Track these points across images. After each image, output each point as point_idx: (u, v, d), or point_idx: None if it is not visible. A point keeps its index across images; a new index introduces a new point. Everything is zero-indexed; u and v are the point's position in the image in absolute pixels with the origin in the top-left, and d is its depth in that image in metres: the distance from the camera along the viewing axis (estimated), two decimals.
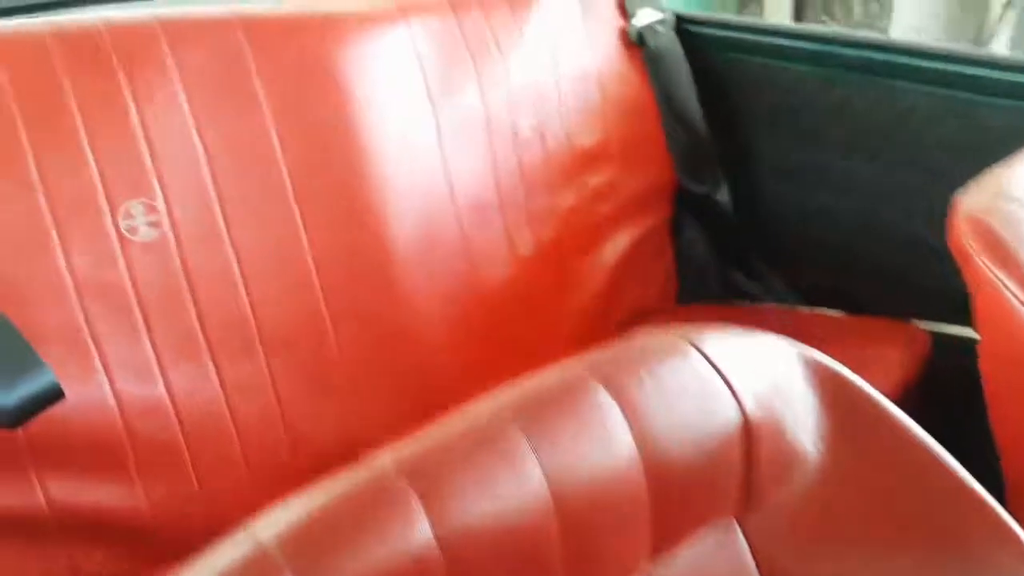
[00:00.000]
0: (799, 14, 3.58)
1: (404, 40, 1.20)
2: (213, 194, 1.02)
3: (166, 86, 1.00)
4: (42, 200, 0.92)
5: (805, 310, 1.51)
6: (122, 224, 0.96)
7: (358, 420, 1.13)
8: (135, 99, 0.98)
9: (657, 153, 1.50)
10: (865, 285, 1.45)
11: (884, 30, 3.23)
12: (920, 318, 1.36)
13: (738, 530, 0.52)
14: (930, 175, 1.30)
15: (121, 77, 0.98)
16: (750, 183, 1.53)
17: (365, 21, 1.17)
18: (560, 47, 1.37)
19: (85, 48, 0.97)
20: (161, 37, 1.01)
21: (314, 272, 1.08)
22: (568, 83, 1.37)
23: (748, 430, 0.50)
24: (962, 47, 1.24)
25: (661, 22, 1.46)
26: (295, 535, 0.41)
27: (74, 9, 1.25)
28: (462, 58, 1.26)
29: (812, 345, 1.30)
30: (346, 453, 1.11)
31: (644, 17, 1.45)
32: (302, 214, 1.08)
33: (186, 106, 1.01)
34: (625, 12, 1.46)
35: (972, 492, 0.56)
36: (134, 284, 0.97)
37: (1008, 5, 2.96)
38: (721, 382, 0.51)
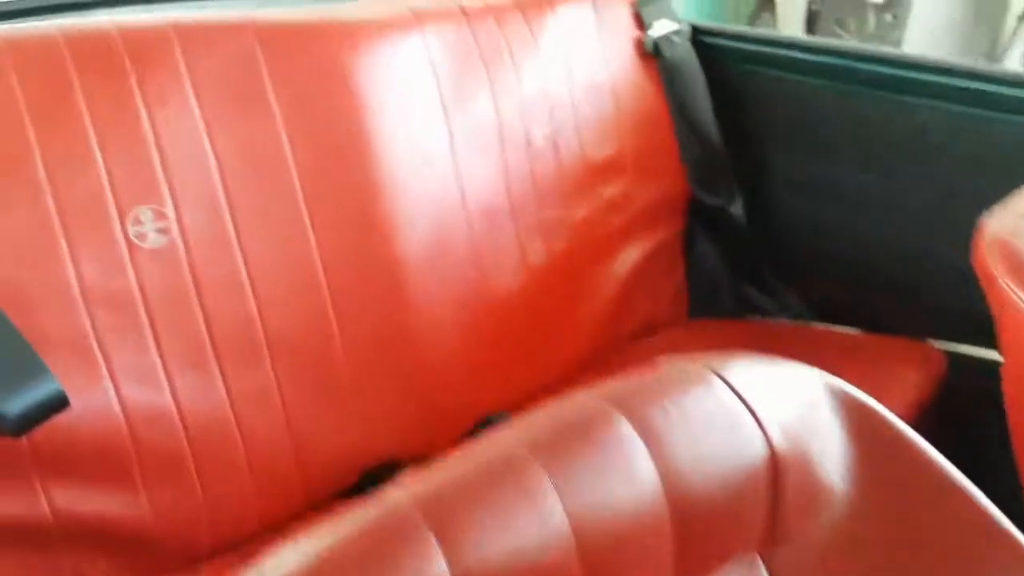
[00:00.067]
0: (811, 26, 3.57)
1: (418, 48, 1.19)
2: (223, 201, 1.01)
3: (178, 91, 0.99)
4: (50, 204, 0.91)
5: (819, 326, 1.49)
6: (131, 230, 0.95)
7: (365, 429, 1.12)
8: (146, 103, 0.97)
9: (671, 165, 1.48)
10: (880, 302, 1.43)
11: (898, 42, 3.21)
12: (936, 337, 1.34)
13: (762, 565, 0.50)
14: (946, 192, 1.28)
15: (133, 81, 0.97)
16: (764, 196, 1.52)
17: (380, 29, 1.16)
18: (574, 57, 1.36)
19: (97, 51, 0.96)
20: (174, 41, 1.00)
21: (323, 279, 1.07)
22: (582, 93, 1.36)
23: (775, 462, 0.49)
24: (979, 64, 1.23)
25: (677, 33, 1.45)
26: (306, 575, 0.40)
27: (86, 12, 1.23)
28: (476, 67, 1.25)
29: (825, 362, 1.28)
30: (353, 462, 1.11)
31: (660, 28, 1.44)
32: (312, 222, 1.07)
33: (197, 111, 1.00)
34: (641, 22, 1.44)
35: (998, 526, 0.55)
36: (142, 291, 0.96)
37: (1023, 18, 2.95)
38: (747, 412, 0.49)
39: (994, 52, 3.09)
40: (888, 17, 3.28)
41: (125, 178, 0.95)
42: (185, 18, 1.04)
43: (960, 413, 1.26)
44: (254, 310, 1.03)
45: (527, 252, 1.30)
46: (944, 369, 1.29)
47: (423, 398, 1.18)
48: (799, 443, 0.50)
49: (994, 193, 0.90)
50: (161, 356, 0.97)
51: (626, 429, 0.46)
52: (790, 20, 3.77)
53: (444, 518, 0.41)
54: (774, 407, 0.50)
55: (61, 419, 0.87)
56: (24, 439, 0.88)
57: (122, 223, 0.95)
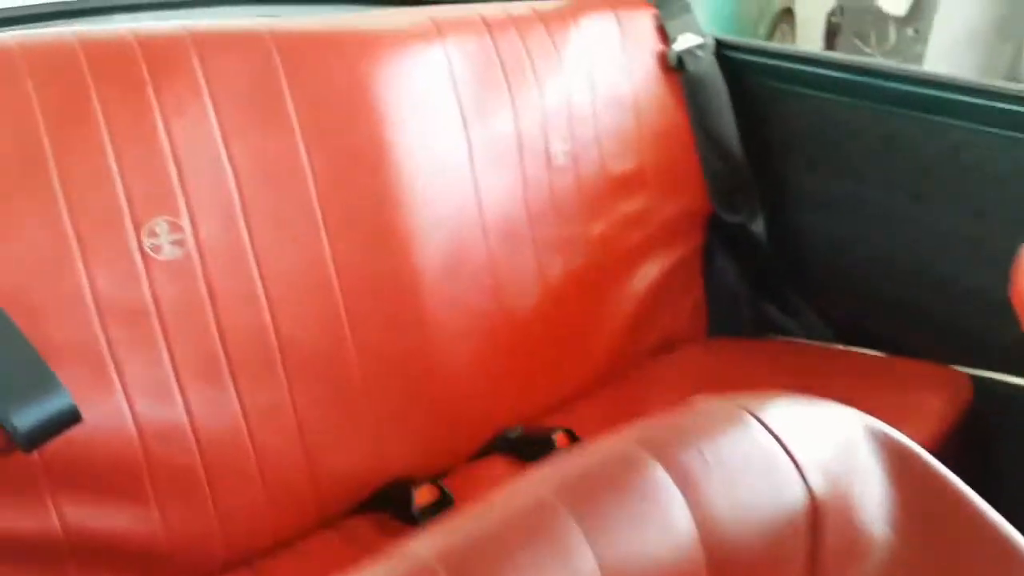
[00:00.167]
0: (831, 39, 3.55)
1: (439, 60, 1.17)
2: (239, 213, 1.00)
3: (196, 101, 0.98)
4: (64, 214, 0.89)
5: (839, 348, 1.47)
6: (146, 242, 0.94)
7: (379, 444, 1.10)
8: (163, 114, 0.96)
9: (692, 180, 1.47)
10: (903, 325, 1.41)
11: (919, 57, 3.19)
12: (959, 363, 1.32)
13: None
14: (977, 215, 1.26)
15: (150, 90, 0.95)
16: (786, 214, 1.50)
17: (400, 39, 1.15)
18: (597, 70, 1.34)
19: (114, 59, 0.95)
20: (191, 50, 0.99)
21: (338, 292, 1.06)
22: (604, 107, 1.35)
23: (814, 507, 0.47)
24: (1014, 85, 1.20)
25: (701, 47, 1.43)
26: None
27: (104, 18, 1.22)
28: (497, 80, 1.23)
29: (847, 385, 1.27)
30: (367, 477, 1.09)
31: (684, 41, 1.42)
32: (328, 234, 1.05)
33: (215, 121, 0.99)
34: (664, 35, 1.43)
35: None
36: (156, 304, 0.94)
37: None
38: (784, 455, 0.47)
39: (1018, 68, 3.07)
40: (910, 31, 3.25)
41: (141, 189, 0.94)
42: (203, 26, 1.02)
43: (985, 441, 1.24)
44: (269, 323, 1.01)
45: (544, 266, 1.28)
46: (970, 395, 1.26)
47: (438, 413, 1.16)
48: (839, 487, 0.47)
49: None
50: (175, 369, 0.96)
51: (660, 475, 0.43)
52: (809, 33, 3.75)
53: (470, 575, 0.38)
54: (812, 449, 0.48)
55: (73, 433, 0.85)
56: (35, 453, 0.86)
57: (137, 235, 0.93)
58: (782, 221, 1.50)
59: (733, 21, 3.66)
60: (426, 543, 0.42)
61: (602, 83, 1.35)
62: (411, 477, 1.12)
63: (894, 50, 3.27)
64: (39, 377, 0.84)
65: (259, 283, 1.01)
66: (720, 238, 1.54)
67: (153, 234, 0.94)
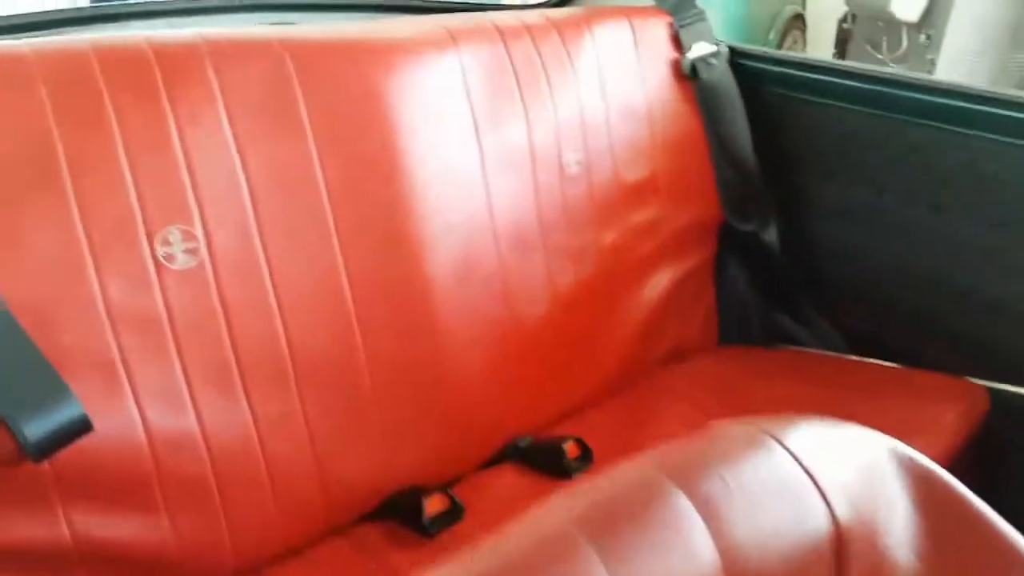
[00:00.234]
0: (842, 45, 3.54)
1: (453, 69, 1.17)
2: (252, 221, 0.99)
3: (210, 110, 0.97)
4: (77, 222, 0.89)
5: (852, 358, 1.45)
6: (159, 251, 0.93)
7: (390, 452, 1.10)
8: (177, 121, 0.95)
9: (705, 189, 1.46)
10: (917, 335, 1.40)
11: (931, 63, 3.18)
12: (974, 375, 1.31)
13: None
14: (996, 226, 1.25)
15: (164, 98, 0.95)
16: (799, 223, 1.49)
17: (414, 47, 1.14)
18: (610, 78, 1.34)
19: (128, 67, 0.94)
20: (206, 58, 0.99)
21: (350, 301, 1.05)
22: (617, 115, 1.34)
23: (838, 535, 0.46)
24: None
25: (715, 55, 1.43)
26: None
27: (116, 24, 1.22)
28: (510, 88, 1.23)
29: (861, 396, 1.26)
30: (377, 486, 1.09)
31: (698, 50, 1.41)
32: (341, 242, 1.05)
33: (229, 130, 0.98)
34: (679, 44, 1.42)
35: None
36: (168, 312, 0.94)
37: None
38: (808, 481, 0.46)
39: None
40: (922, 38, 3.23)
41: (154, 198, 0.93)
42: (217, 34, 1.02)
43: (1002, 454, 1.22)
44: (280, 331, 1.01)
45: (555, 274, 1.27)
46: (987, 408, 1.25)
47: (449, 420, 1.16)
48: (864, 514, 0.47)
49: None
50: (186, 378, 0.95)
51: (682, 503, 0.43)
52: (820, 39, 3.75)
53: None
54: (837, 475, 0.47)
55: (84, 442, 0.85)
56: (46, 462, 0.86)
57: (150, 243, 0.93)
58: (795, 230, 1.49)
59: (744, 27, 3.66)
60: (444, 573, 0.41)
61: (616, 91, 1.34)
62: (421, 485, 1.11)
63: (906, 56, 3.26)
64: (50, 386, 0.83)
65: (271, 292, 1.00)
66: (732, 246, 1.53)
67: (166, 243, 0.94)
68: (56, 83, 0.90)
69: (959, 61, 3.11)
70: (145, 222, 0.93)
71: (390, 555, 1.05)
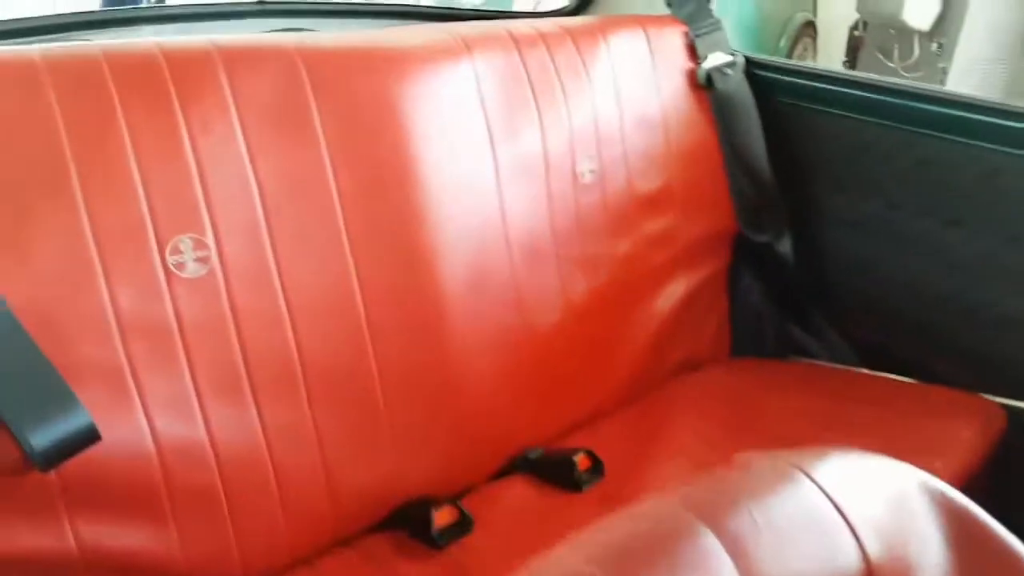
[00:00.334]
0: (853, 52, 3.52)
1: (468, 78, 1.16)
2: (264, 230, 0.98)
3: (222, 117, 0.96)
4: (87, 229, 0.88)
5: (866, 372, 1.44)
6: (170, 259, 0.92)
7: (399, 462, 1.09)
8: (189, 129, 0.94)
9: (719, 199, 1.45)
10: (931, 350, 1.39)
11: (943, 72, 3.16)
12: (992, 392, 1.29)
13: None
14: (1013, 240, 1.24)
15: (176, 106, 0.94)
16: (813, 234, 1.48)
17: (428, 56, 1.13)
18: (625, 87, 1.33)
19: (139, 73, 0.93)
20: (219, 65, 0.98)
21: (362, 311, 1.04)
22: (632, 125, 1.33)
23: (869, 573, 0.44)
24: None
25: (731, 65, 1.41)
26: None
27: (126, 29, 1.21)
28: (524, 97, 1.22)
29: (874, 412, 1.25)
30: (386, 496, 1.08)
31: (714, 59, 1.40)
32: (353, 252, 1.04)
33: (241, 138, 0.97)
34: (694, 53, 1.41)
35: None
36: (178, 321, 0.93)
37: None
38: (839, 517, 0.45)
39: None
40: (933, 46, 3.22)
41: (166, 206, 0.92)
42: (229, 41, 1.01)
43: (1020, 473, 1.21)
44: (291, 340, 1.00)
45: (568, 284, 1.26)
46: (1003, 425, 1.24)
47: (459, 431, 1.15)
48: (895, 552, 0.45)
49: None
50: (195, 387, 0.94)
51: (710, 542, 0.41)
52: (831, 47, 3.73)
53: None
54: (867, 509, 0.46)
55: (92, 451, 0.84)
56: (52, 472, 0.85)
57: (161, 252, 0.92)
58: (809, 241, 1.48)
59: (754, 33, 3.65)
60: None
61: (630, 101, 1.33)
62: (430, 496, 1.10)
63: (917, 65, 3.24)
64: (58, 395, 0.82)
65: (282, 300, 0.99)
66: (746, 257, 1.52)
67: (177, 251, 0.93)
68: (66, 89, 0.89)
69: (971, 70, 3.09)
70: (156, 230, 0.92)
71: (398, 566, 1.04)
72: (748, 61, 1.45)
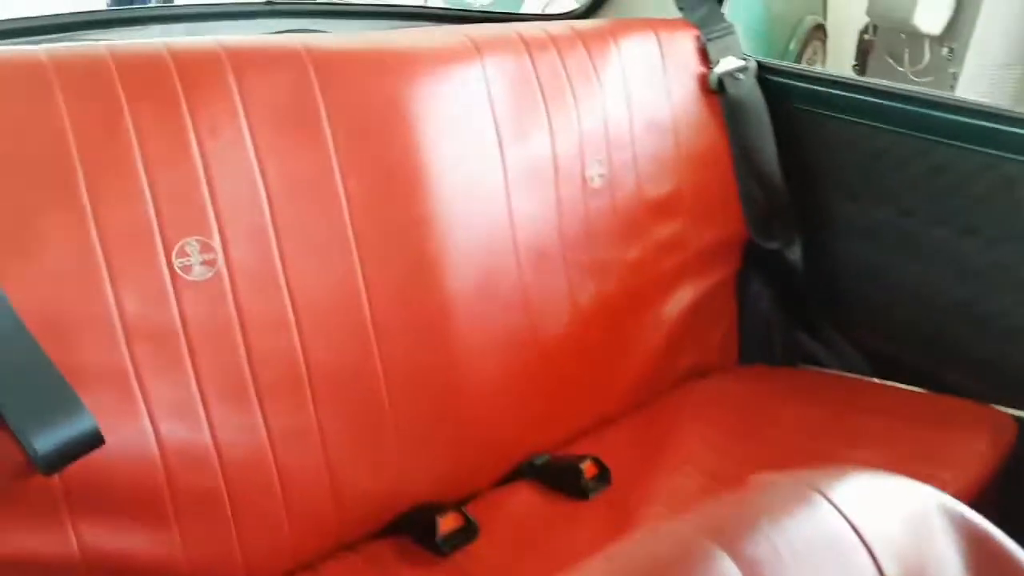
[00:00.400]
0: (863, 57, 3.50)
1: (477, 81, 1.15)
2: (271, 234, 0.97)
3: (230, 120, 0.96)
4: (93, 232, 0.87)
5: (875, 381, 1.43)
6: (176, 262, 0.92)
7: (405, 468, 1.08)
8: (197, 132, 0.94)
9: (729, 205, 1.44)
10: (942, 360, 1.37)
11: (953, 78, 3.14)
12: (1003, 403, 1.28)
13: None
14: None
15: (184, 108, 0.93)
16: (824, 242, 1.47)
17: (438, 58, 1.13)
18: (636, 91, 1.32)
19: (147, 74, 0.93)
20: (227, 66, 0.97)
21: (368, 315, 1.04)
22: (642, 129, 1.32)
23: None
24: None
25: (743, 70, 1.40)
26: None
27: (134, 28, 1.20)
28: (534, 100, 1.21)
29: (883, 422, 1.23)
30: (391, 502, 1.07)
31: (726, 64, 1.39)
32: (360, 256, 1.03)
33: (249, 141, 0.97)
34: (706, 57, 1.40)
35: None
36: (184, 324, 0.92)
37: None
38: (857, 540, 0.44)
39: None
40: (944, 51, 3.20)
41: (173, 209, 0.92)
42: (238, 42, 1.00)
43: None
44: (297, 345, 0.99)
45: (576, 289, 1.26)
46: (1014, 437, 1.22)
47: (465, 436, 1.14)
48: (912, 570, 0.44)
49: None
50: (200, 391, 0.94)
51: (728, 567, 0.40)
52: (841, 51, 3.71)
53: None
54: (885, 532, 0.45)
55: (95, 455, 0.84)
56: (55, 475, 0.84)
57: (167, 254, 0.91)
58: (820, 248, 1.47)
59: (764, 37, 3.63)
60: None
61: (641, 105, 1.32)
62: (435, 502, 1.09)
63: (927, 70, 3.22)
64: (62, 399, 0.82)
65: (288, 304, 0.99)
66: (755, 264, 1.51)
67: (184, 254, 0.92)
68: (73, 90, 0.88)
69: (981, 75, 3.08)
70: (162, 233, 0.91)
71: (402, 572, 1.04)
72: (760, 66, 1.44)
